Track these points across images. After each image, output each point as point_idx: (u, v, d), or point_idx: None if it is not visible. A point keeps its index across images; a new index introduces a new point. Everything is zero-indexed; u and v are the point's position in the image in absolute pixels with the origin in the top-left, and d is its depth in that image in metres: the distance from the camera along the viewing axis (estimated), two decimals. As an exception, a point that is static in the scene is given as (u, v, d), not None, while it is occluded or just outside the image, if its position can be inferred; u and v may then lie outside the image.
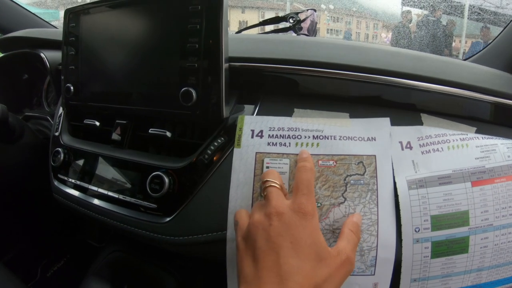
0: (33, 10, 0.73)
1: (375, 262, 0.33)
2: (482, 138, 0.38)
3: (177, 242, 0.37)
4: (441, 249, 0.34)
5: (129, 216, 0.39)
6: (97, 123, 0.43)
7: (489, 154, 0.37)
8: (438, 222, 0.34)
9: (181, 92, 0.36)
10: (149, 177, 0.37)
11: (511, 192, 0.35)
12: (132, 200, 0.38)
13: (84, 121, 0.45)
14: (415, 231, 0.33)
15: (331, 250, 0.28)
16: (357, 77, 0.36)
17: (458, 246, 0.34)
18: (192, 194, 0.36)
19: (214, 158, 0.36)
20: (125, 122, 0.41)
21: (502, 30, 0.52)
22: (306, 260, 0.26)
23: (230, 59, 0.38)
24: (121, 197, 0.39)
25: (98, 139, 0.44)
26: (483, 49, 0.57)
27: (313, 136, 0.35)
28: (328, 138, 0.35)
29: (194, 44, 0.36)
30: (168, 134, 0.38)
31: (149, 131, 0.39)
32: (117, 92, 0.41)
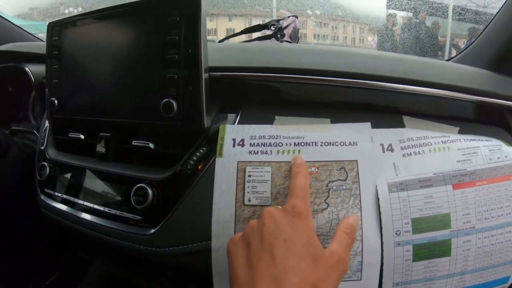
0: (19, 22, 0.73)
1: (361, 267, 0.33)
2: (465, 140, 0.38)
3: (163, 253, 0.37)
4: (423, 252, 0.34)
5: (115, 228, 0.39)
6: (82, 136, 0.43)
7: (470, 157, 0.37)
8: (419, 225, 0.34)
9: (162, 104, 0.36)
10: (133, 189, 0.37)
11: (493, 194, 0.36)
12: (118, 212, 0.39)
13: (69, 135, 0.45)
14: (396, 234, 0.33)
15: (324, 251, 0.28)
16: (337, 82, 0.37)
17: (440, 249, 0.34)
18: (176, 204, 0.36)
19: (197, 168, 0.36)
20: (108, 134, 0.41)
21: (483, 30, 0.53)
22: (302, 259, 0.26)
23: (211, 69, 0.38)
24: (106, 210, 0.39)
25: (84, 152, 0.44)
26: (465, 49, 0.57)
27: (294, 143, 0.36)
28: (309, 145, 0.35)
29: (174, 55, 0.36)
30: (151, 145, 0.39)
31: (133, 143, 0.39)
32: (100, 105, 0.42)
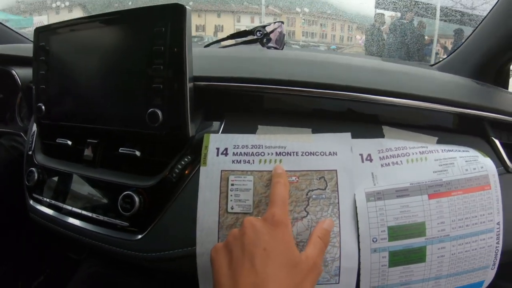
0: (5, 16, 0.71)
1: (339, 271, 0.35)
2: (442, 150, 0.39)
3: (150, 258, 0.38)
4: (398, 258, 0.35)
5: (102, 234, 0.40)
6: (69, 142, 0.44)
7: (447, 167, 0.38)
8: (395, 233, 0.35)
9: (148, 113, 0.37)
10: (120, 196, 0.38)
11: (468, 204, 0.37)
12: (105, 218, 0.39)
13: (57, 140, 0.45)
14: (373, 241, 0.35)
15: (301, 255, 0.29)
16: (319, 93, 0.38)
17: (415, 256, 0.36)
18: (162, 211, 0.37)
19: (183, 176, 0.37)
20: (96, 141, 0.42)
21: (468, 37, 0.54)
22: (281, 266, 0.27)
23: (196, 78, 0.39)
24: (94, 215, 0.40)
25: (71, 158, 0.45)
26: (449, 55, 0.58)
27: (276, 152, 0.36)
28: (290, 154, 0.36)
29: (159, 66, 0.36)
30: (138, 153, 0.39)
31: (119, 151, 0.40)
32: (87, 112, 0.42)
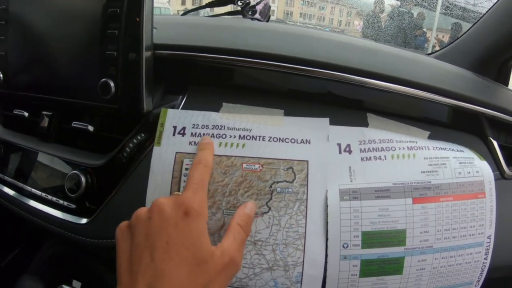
0: None
1: (301, 278, 0.30)
2: (434, 148, 0.34)
3: (97, 245, 0.34)
4: (371, 269, 0.31)
5: (53, 215, 0.36)
6: (26, 114, 0.40)
7: (437, 168, 0.33)
8: (370, 240, 0.30)
9: (100, 84, 0.32)
10: (67, 176, 0.34)
11: (457, 213, 0.32)
12: (53, 199, 0.36)
13: (14, 111, 0.41)
14: (343, 247, 0.30)
15: (214, 250, 0.25)
16: (296, 70, 0.32)
17: (391, 267, 0.31)
18: (110, 194, 0.33)
19: (134, 156, 0.33)
20: (50, 113, 0.38)
21: (470, 28, 0.48)
22: (182, 264, 0.23)
23: (157, 47, 0.34)
24: (43, 195, 0.37)
25: (28, 131, 0.41)
26: (449, 44, 0.52)
27: (240, 135, 0.32)
28: (255, 139, 0.32)
29: (114, 31, 0.32)
30: (91, 128, 0.35)
31: (72, 125, 0.36)
32: (43, 81, 0.38)
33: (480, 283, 0.35)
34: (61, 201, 0.35)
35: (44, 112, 0.39)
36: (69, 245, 0.48)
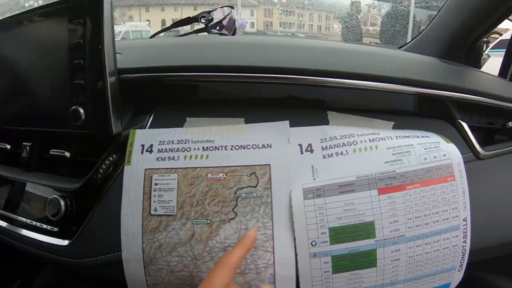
0: None
1: (274, 279, 0.31)
2: (397, 137, 0.34)
3: (79, 264, 0.36)
4: (343, 264, 0.31)
5: (38, 240, 0.38)
6: (8, 146, 0.43)
7: (402, 157, 0.33)
8: (337, 235, 0.31)
9: (71, 111, 0.35)
10: (48, 201, 0.36)
11: (426, 199, 0.32)
12: (38, 224, 0.38)
13: None
14: (312, 244, 0.31)
15: None
16: (251, 78, 0.34)
17: (364, 260, 0.31)
18: (88, 215, 0.35)
19: (108, 177, 0.35)
20: (30, 144, 0.40)
21: (435, 16, 0.48)
22: None
23: (122, 71, 0.36)
24: (28, 221, 0.38)
25: (11, 162, 0.43)
26: (417, 35, 0.53)
27: (203, 147, 0.33)
28: (218, 149, 0.33)
29: (80, 60, 0.34)
30: (67, 154, 0.37)
31: (50, 153, 0.38)
32: (21, 115, 0.40)
33: (463, 267, 0.34)
34: (44, 226, 0.37)
35: (24, 143, 0.41)
36: (62, 271, 0.50)
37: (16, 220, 0.40)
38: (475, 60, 0.48)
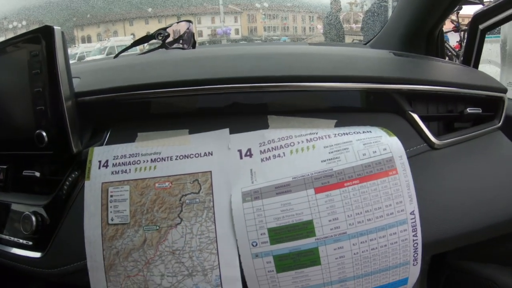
0: None
1: (220, 281, 0.32)
2: (335, 135, 0.35)
3: (53, 274, 0.39)
4: (286, 263, 0.32)
5: (16, 254, 0.42)
6: None
7: (339, 154, 0.33)
8: (276, 235, 0.31)
9: (35, 135, 0.38)
10: (21, 217, 0.40)
11: (367, 195, 0.32)
12: (15, 239, 0.42)
13: None
14: (253, 245, 0.32)
15: None
16: (191, 91, 0.36)
17: (307, 259, 0.31)
18: (56, 229, 0.38)
19: (71, 192, 0.38)
20: (5, 167, 0.45)
21: (393, 11, 0.48)
22: None
23: (81, 94, 0.39)
24: (6, 237, 0.43)
25: None
26: (379, 31, 0.52)
27: (151, 159, 0.35)
28: (165, 160, 0.35)
29: (39, 88, 0.38)
30: (37, 174, 0.41)
31: (23, 173, 0.42)
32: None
33: (419, 261, 0.33)
34: (21, 240, 0.41)
35: (0, 166, 0.46)
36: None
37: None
38: (437, 49, 0.47)
